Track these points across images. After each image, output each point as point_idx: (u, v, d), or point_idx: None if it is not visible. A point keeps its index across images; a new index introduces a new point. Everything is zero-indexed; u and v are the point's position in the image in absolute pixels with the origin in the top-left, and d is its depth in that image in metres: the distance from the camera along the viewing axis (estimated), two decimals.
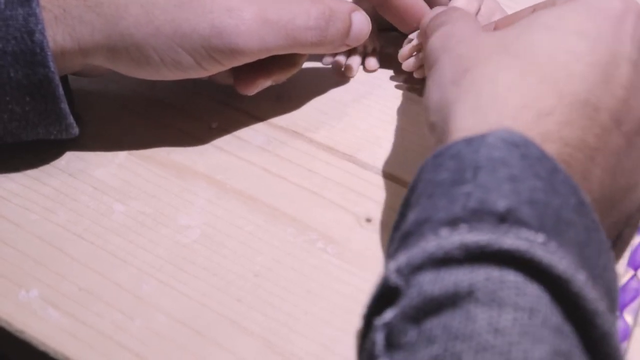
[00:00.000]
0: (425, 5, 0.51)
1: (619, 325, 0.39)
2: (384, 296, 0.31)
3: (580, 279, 0.30)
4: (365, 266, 0.43)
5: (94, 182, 0.47)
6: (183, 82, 0.53)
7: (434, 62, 0.41)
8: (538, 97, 0.36)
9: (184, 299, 0.42)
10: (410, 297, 0.30)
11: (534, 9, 0.45)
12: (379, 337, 0.31)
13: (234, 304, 0.42)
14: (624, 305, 0.40)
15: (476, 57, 0.39)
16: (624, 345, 0.39)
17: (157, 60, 0.45)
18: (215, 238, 0.45)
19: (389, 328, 0.31)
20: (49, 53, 0.43)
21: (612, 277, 0.34)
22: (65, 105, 0.45)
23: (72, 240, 0.44)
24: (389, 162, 0.49)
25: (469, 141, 0.34)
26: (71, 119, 0.46)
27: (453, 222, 0.32)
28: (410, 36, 0.51)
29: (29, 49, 0.42)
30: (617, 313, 0.35)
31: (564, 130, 0.36)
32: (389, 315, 0.31)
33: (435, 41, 0.43)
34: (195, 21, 0.44)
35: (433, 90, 0.40)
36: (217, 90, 0.53)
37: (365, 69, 0.54)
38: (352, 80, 0.54)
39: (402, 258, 0.32)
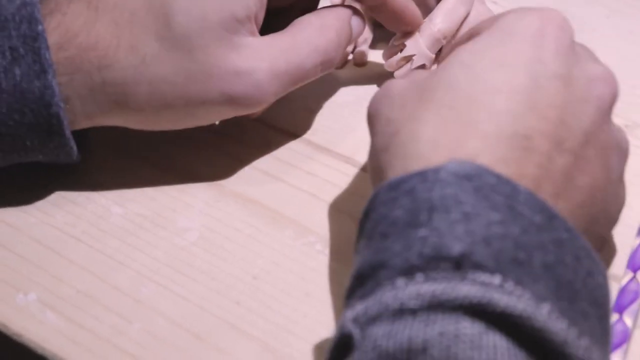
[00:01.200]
0: (416, 10, 0.51)
1: (619, 327, 0.39)
2: (343, 344, 0.31)
3: (542, 314, 0.30)
4: None
5: (92, 185, 0.47)
6: None
7: (370, 129, 0.41)
8: (461, 144, 0.35)
9: (183, 302, 0.42)
10: (365, 351, 0.30)
11: (470, 34, 0.43)
12: None
13: (233, 307, 0.42)
14: (624, 308, 0.40)
15: (401, 118, 0.38)
16: (623, 347, 0.39)
17: (169, 125, 0.46)
18: (214, 241, 0.45)
19: None
20: (64, 122, 0.43)
21: (599, 280, 0.34)
22: (77, 155, 0.45)
23: (70, 243, 0.44)
24: None
25: (423, 176, 0.34)
26: (78, 157, 0.46)
27: (409, 271, 0.31)
28: (398, 39, 0.52)
29: (46, 121, 0.43)
30: (610, 313, 0.34)
31: (497, 169, 0.35)
32: None
33: (370, 107, 0.42)
34: (205, 91, 0.44)
35: (369, 160, 0.40)
36: None
37: (354, 65, 0.55)
38: (350, 82, 0.54)
39: (360, 307, 0.31)
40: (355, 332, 0.31)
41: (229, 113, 0.45)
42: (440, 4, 0.52)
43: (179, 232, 0.45)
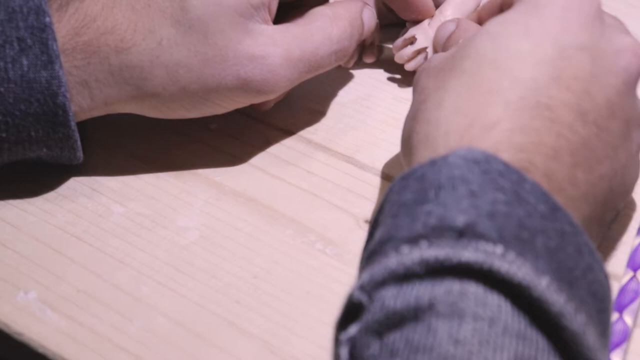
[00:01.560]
0: None
1: (619, 326, 0.39)
2: (350, 313, 0.32)
3: (541, 284, 0.31)
4: None
5: (93, 184, 0.47)
6: None
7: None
8: (482, 111, 0.36)
9: (183, 300, 0.42)
10: (373, 312, 0.31)
11: (501, 4, 0.45)
12: (344, 352, 0.31)
13: (233, 305, 0.42)
14: (624, 307, 0.40)
15: (432, 86, 0.39)
16: (623, 346, 0.39)
17: (184, 112, 0.46)
18: (214, 240, 0.45)
19: (353, 342, 0.31)
20: (70, 114, 0.43)
21: (599, 277, 0.34)
22: (81, 155, 0.46)
23: (70, 242, 0.44)
24: (388, 164, 0.49)
25: (433, 163, 0.35)
26: (81, 155, 0.46)
27: (414, 240, 0.32)
28: (408, 32, 0.52)
29: (51, 111, 0.43)
30: (609, 310, 0.34)
31: (515, 137, 0.36)
32: (353, 330, 0.31)
33: (414, 79, 0.43)
34: (221, 76, 0.44)
35: (403, 128, 0.41)
36: None
37: (364, 60, 0.54)
38: (351, 81, 0.54)
39: (365, 275, 0.32)
40: (363, 298, 0.32)
41: (244, 99, 0.46)
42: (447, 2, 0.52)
43: (179, 231, 0.45)
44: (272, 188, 0.47)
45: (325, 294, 0.42)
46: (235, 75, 0.44)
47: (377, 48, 0.54)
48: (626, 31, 0.41)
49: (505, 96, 0.36)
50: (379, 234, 0.34)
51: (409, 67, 0.52)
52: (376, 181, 0.48)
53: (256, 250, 0.44)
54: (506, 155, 0.35)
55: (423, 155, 0.37)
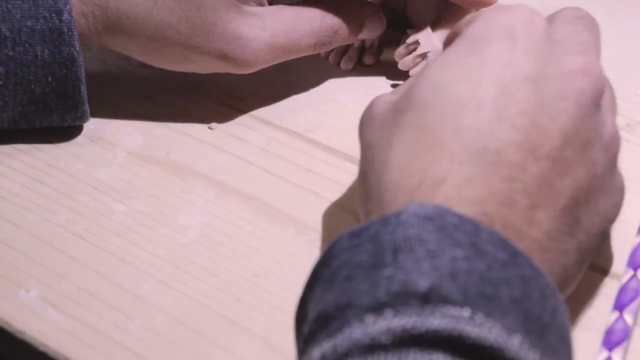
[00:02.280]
0: None
1: (619, 325, 0.39)
2: None
3: (514, 344, 0.30)
4: None
5: (94, 182, 0.47)
6: (182, 83, 0.53)
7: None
8: (429, 168, 0.35)
9: (184, 298, 0.42)
10: None
11: (448, 38, 0.41)
12: None
13: (234, 303, 0.42)
14: (624, 306, 0.40)
15: (377, 142, 0.38)
16: (623, 345, 0.39)
17: (166, 65, 0.49)
18: (215, 238, 0.45)
19: None
20: (75, 33, 0.45)
21: (563, 318, 0.33)
22: (84, 89, 0.47)
23: (71, 240, 0.44)
24: None
25: (385, 221, 0.33)
26: (87, 106, 0.48)
27: (378, 308, 0.30)
28: (409, 38, 0.51)
29: (57, 28, 0.45)
30: (573, 351, 0.34)
31: (465, 190, 0.34)
32: None
33: (358, 127, 0.41)
34: (205, 46, 0.47)
35: (357, 182, 0.40)
36: (217, 90, 0.53)
37: (364, 62, 0.55)
38: (351, 80, 0.54)
39: (327, 345, 0.30)
40: None
41: (222, 68, 0.49)
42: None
43: (180, 229, 0.45)
44: (273, 187, 0.47)
45: None
46: (218, 49, 0.47)
47: (377, 50, 0.54)
48: (583, 49, 0.38)
49: (450, 148, 0.35)
50: (331, 297, 0.32)
51: (413, 73, 0.51)
52: None
53: (257, 249, 0.44)
54: (458, 210, 0.33)
55: (375, 213, 0.37)
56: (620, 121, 0.41)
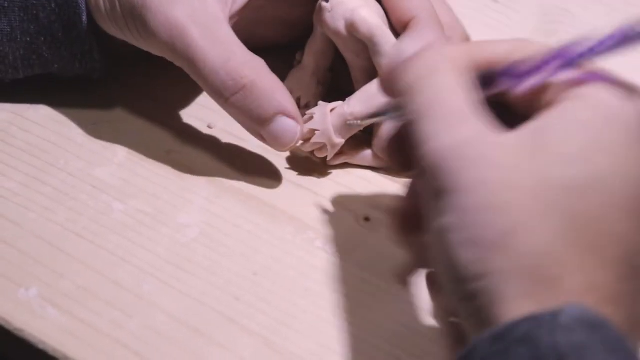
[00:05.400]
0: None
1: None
2: None
3: None
4: (364, 265, 0.44)
5: (93, 181, 0.47)
6: (183, 82, 0.53)
7: (438, 177, 0.32)
8: (588, 271, 0.31)
9: (183, 297, 0.42)
10: None
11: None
12: None
13: (233, 302, 0.42)
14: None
15: (515, 214, 0.31)
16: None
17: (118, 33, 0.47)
18: (214, 237, 0.45)
19: None
20: None
21: None
22: (85, 19, 0.47)
23: (71, 239, 0.44)
24: None
25: (538, 321, 0.29)
26: (94, 42, 0.47)
27: None
28: (307, 112, 0.48)
29: None
30: None
31: (613, 307, 0.31)
32: None
33: (434, 136, 0.33)
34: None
35: (461, 248, 0.31)
36: None
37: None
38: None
39: None
40: None
41: (134, 26, 0.46)
42: (364, 87, 0.47)
43: (179, 228, 0.45)
44: (272, 186, 0.47)
45: (325, 291, 0.42)
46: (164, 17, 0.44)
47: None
48: None
49: (609, 255, 0.31)
50: None
51: (304, 148, 0.48)
52: (376, 179, 0.48)
53: (256, 248, 0.44)
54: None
55: (518, 306, 0.30)
56: None
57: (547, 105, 0.34)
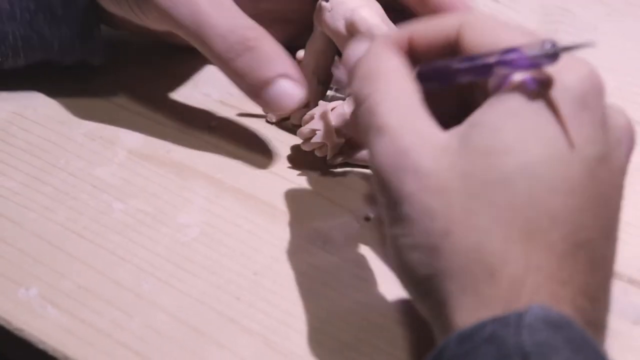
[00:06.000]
0: None
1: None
2: None
3: None
4: (364, 264, 0.43)
5: (94, 181, 0.47)
6: (183, 82, 0.53)
7: (385, 189, 0.35)
8: (529, 258, 0.32)
9: (183, 297, 0.42)
10: None
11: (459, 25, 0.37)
12: None
13: (234, 302, 0.42)
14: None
15: (449, 214, 0.33)
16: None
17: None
18: (215, 236, 0.45)
19: None
20: None
21: None
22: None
23: (71, 239, 0.44)
24: None
25: (504, 321, 0.30)
26: (95, 18, 0.48)
27: None
28: (307, 113, 0.48)
29: None
30: None
31: (566, 289, 0.32)
32: None
33: (382, 174, 0.35)
34: None
35: (408, 252, 0.34)
36: (217, 89, 0.53)
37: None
38: None
39: None
40: None
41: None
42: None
43: (179, 228, 0.45)
44: (272, 185, 0.47)
45: (325, 291, 0.42)
46: None
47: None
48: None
49: (548, 239, 0.32)
50: None
51: (304, 147, 0.48)
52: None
53: (256, 247, 0.44)
54: (563, 310, 0.31)
55: (464, 301, 0.32)
56: None
57: (485, 98, 0.35)
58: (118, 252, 0.44)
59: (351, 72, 0.38)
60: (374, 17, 0.46)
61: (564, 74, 0.33)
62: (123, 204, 0.46)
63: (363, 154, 0.48)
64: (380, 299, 0.42)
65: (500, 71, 0.34)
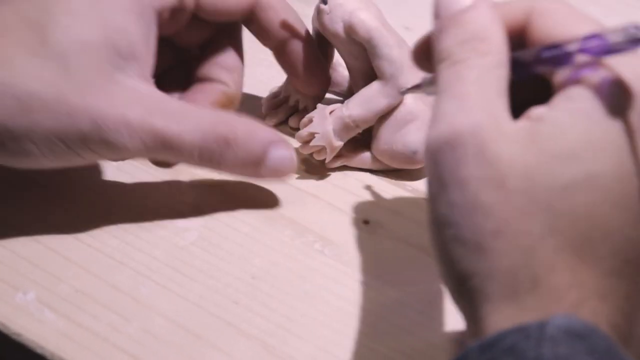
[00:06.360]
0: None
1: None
2: None
3: None
4: (363, 268, 0.43)
5: (92, 184, 0.47)
6: None
7: (438, 165, 0.32)
8: (577, 271, 0.31)
9: (181, 301, 0.42)
10: None
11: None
12: None
13: (231, 306, 0.42)
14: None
15: (504, 211, 0.31)
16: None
17: (36, 153, 0.41)
18: (213, 240, 0.45)
19: None
20: None
21: None
22: None
23: (69, 243, 0.44)
24: None
25: (525, 332, 0.29)
26: None
27: None
28: (306, 115, 0.48)
29: None
30: None
31: (606, 307, 0.31)
32: None
33: (444, 118, 0.33)
34: (76, 115, 0.40)
35: (453, 245, 0.32)
36: None
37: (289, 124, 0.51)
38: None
39: None
40: None
41: (102, 150, 0.42)
42: (362, 90, 0.47)
43: (177, 231, 0.45)
44: (271, 188, 0.47)
45: (324, 295, 0.42)
46: (91, 119, 0.40)
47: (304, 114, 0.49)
48: None
49: (600, 254, 0.31)
50: None
51: (303, 150, 0.48)
52: (375, 182, 0.48)
53: (255, 251, 0.44)
54: (600, 325, 0.30)
55: (502, 307, 0.31)
56: None
57: (558, 89, 0.33)
58: (116, 256, 0.44)
59: (448, 21, 0.35)
60: (372, 19, 0.46)
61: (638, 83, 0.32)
62: (121, 207, 0.46)
63: (363, 157, 0.48)
64: (380, 301, 0.42)
65: (581, 59, 0.32)
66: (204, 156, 0.43)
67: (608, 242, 0.31)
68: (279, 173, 0.44)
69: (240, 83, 0.48)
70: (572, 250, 0.31)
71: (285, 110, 0.51)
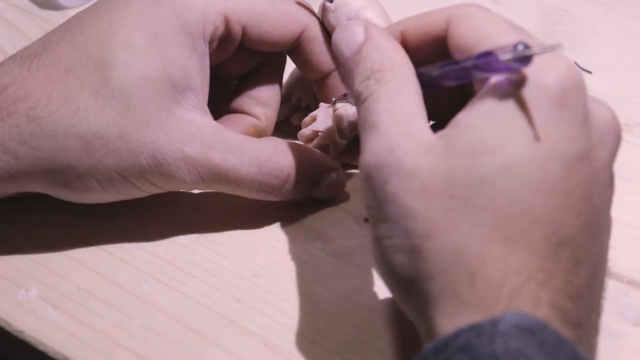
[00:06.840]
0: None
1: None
2: None
3: None
4: (363, 266, 0.43)
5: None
6: None
7: (370, 188, 0.35)
8: (509, 260, 0.32)
9: (183, 298, 0.42)
10: None
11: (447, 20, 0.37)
12: None
13: (233, 303, 0.42)
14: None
15: (430, 215, 0.33)
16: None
17: (99, 191, 0.43)
18: (215, 238, 0.45)
19: None
20: None
21: None
22: None
23: (71, 240, 0.44)
24: None
25: (478, 329, 0.30)
26: None
27: None
28: (310, 114, 0.48)
29: None
30: None
31: (546, 291, 0.31)
32: None
33: (368, 173, 0.35)
34: (136, 152, 0.41)
35: (391, 253, 0.34)
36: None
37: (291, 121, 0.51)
38: None
39: None
40: None
41: (161, 182, 0.43)
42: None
43: (180, 229, 0.45)
44: None
45: (325, 293, 0.42)
46: (151, 155, 0.42)
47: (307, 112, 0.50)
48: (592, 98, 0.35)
49: (528, 240, 0.32)
50: None
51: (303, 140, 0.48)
52: None
53: (256, 249, 0.44)
54: (541, 313, 0.31)
55: (445, 305, 0.32)
56: (620, 121, 0.41)
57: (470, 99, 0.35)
58: (118, 254, 0.44)
59: (349, 63, 0.37)
60: (377, 18, 0.46)
61: (542, 74, 0.33)
62: (123, 205, 0.46)
63: None
64: (381, 300, 0.42)
65: (478, 75, 0.34)
66: (262, 189, 0.44)
67: (537, 227, 0.32)
68: (329, 195, 0.46)
69: (272, 118, 0.48)
70: (501, 239, 0.32)
71: (287, 108, 0.51)
